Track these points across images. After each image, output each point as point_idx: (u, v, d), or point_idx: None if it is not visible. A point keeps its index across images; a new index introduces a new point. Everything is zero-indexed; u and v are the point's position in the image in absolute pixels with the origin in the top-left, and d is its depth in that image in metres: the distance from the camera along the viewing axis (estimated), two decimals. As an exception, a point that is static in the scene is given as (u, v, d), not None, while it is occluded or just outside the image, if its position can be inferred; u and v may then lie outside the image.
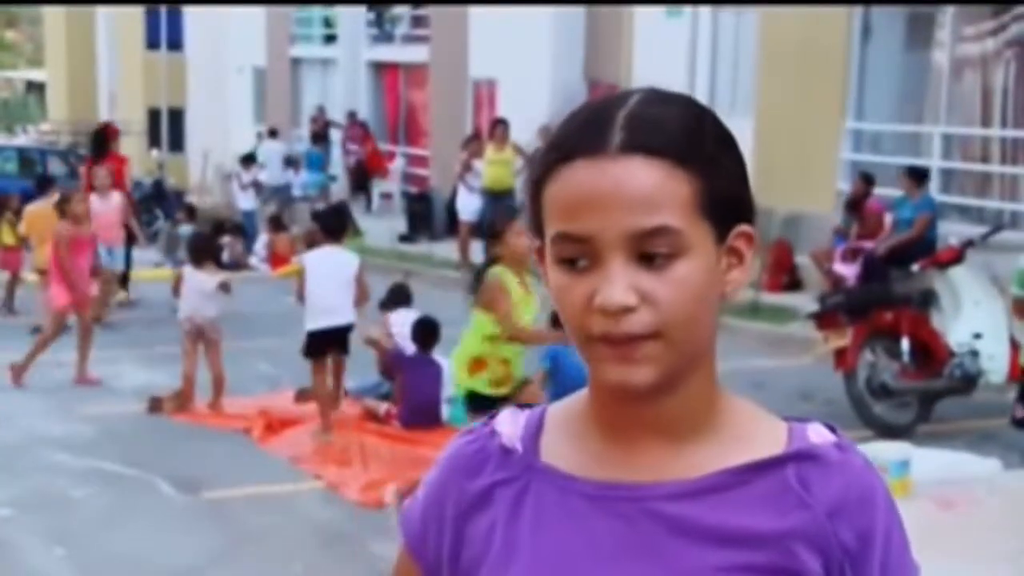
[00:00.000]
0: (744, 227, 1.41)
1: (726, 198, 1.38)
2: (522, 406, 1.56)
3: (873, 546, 1.41)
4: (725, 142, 1.41)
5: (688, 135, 1.37)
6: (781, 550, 1.38)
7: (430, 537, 1.52)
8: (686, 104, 1.41)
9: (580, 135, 1.37)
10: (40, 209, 14.28)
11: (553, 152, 1.38)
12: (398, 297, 10.98)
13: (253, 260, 19.39)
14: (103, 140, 15.97)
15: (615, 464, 1.43)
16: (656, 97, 1.41)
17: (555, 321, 9.36)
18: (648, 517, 1.40)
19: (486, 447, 1.50)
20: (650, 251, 1.33)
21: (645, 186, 1.33)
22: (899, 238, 12.57)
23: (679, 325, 1.34)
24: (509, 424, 1.52)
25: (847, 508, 1.40)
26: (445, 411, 9.72)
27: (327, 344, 9.51)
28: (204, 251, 10.86)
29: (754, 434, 1.44)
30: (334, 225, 9.82)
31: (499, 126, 18.73)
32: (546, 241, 1.39)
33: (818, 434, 1.45)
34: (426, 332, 9.94)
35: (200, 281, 10.46)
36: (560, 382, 9.05)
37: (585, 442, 1.46)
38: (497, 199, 18.64)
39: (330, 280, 9.26)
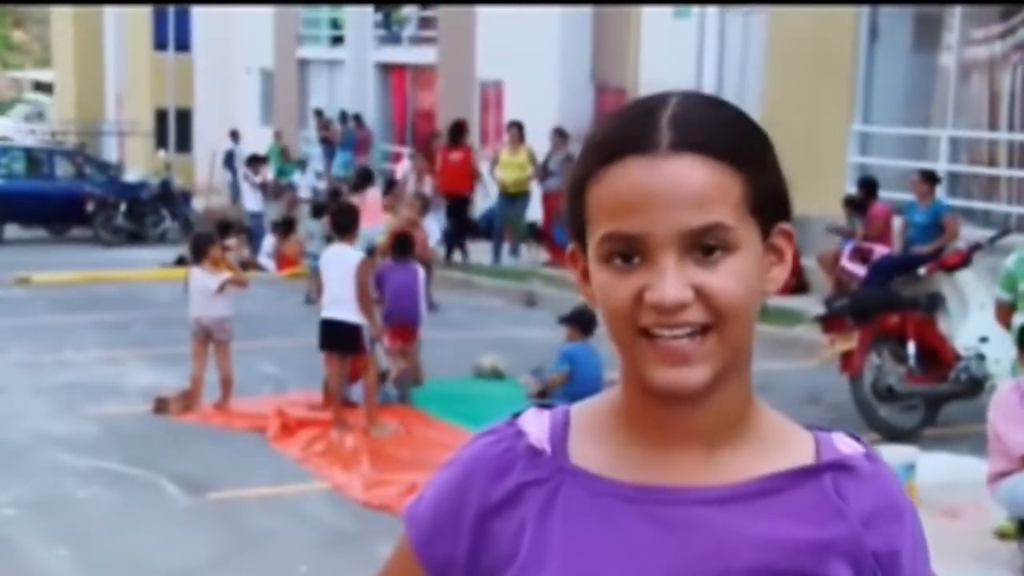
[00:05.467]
0: (784, 225, 1.42)
1: (771, 196, 1.39)
2: (543, 406, 1.54)
3: (902, 558, 1.41)
4: (766, 140, 1.42)
5: (734, 133, 1.37)
6: (816, 560, 1.37)
7: (442, 538, 1.49)
8: (726, 104, 1.42)
9: (626, 135, 1.36)
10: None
11: (597, 153, 1.38)
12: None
13: (263, 259, 19.41)
14: (459, 131, 19.32)
15: (649, 467, 1.42)
16: (695, 98, 1.41)
17: (572, 320, 9.39)
18: (684, 521, 1.39)
19: (513, 447, 1.47)
20: (704, 247, 1.33)
21: (698, 184, 1.33)
22: (936, 243, 12.41)
23: (732, 319, 1.34)
24: (535, 424, 1.49)
25: (879, 519, 1.40)
26: (424, 313, 11.07)
27: (334, 336, 9.71)
28: (203, 250, 10.80)
29: (786, 442, 1.44)
30: (344, 223, 9.97)
31: (513, 128, 18.72)
32: (589, 243, 1.38)
33: (847, 444, 1.45)
34: (403, 244, 11.04)
35: (204, 281, 10.47)
36: (578, 383, 9.07)
37: (616, 444, 1.45)
38: (512, 201, 18.61)
39: (338, 274, 9.63)
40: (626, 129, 1.37)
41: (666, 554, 1.38)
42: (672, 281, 1.32)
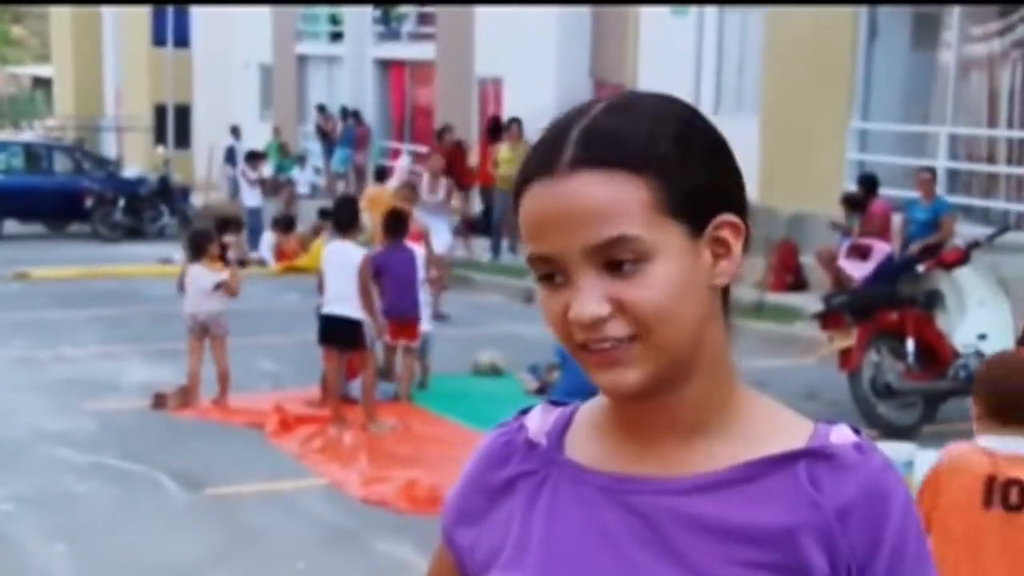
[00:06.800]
0: (726, 216, 1.40)
1: (694, 194, 1.37)
2: (555, 403, 1.58)
3: (881, 551, 1.39)
4: (690, 137, 1.40)
5: (641, 140, 1.36)
6: (788, 547, 1.37)
7: (460, 526, 1.55)
8: (650, 106, 1.41)
9: (536, 156, 1.40)
10: (378, 191, 17.40)
11: (519, 176, 1.41)
12: None
13: (264, 254, 19.39)
14: (497, 128, 19.56)
15: (629, 458, 1.45)
16: (620, 104, 1.41)
17: None
18: (659, 510, 1.41)
19: (514, 440, 1.53)
20: (614, 260, 1.34)
21: (593, 200, 1.34)
22: (930, 240, 12.50)
23: (657, 326, 1.35)
24: (539, 419, 1.54)
25: (857, 510, 1.38)
26: (423, 298, 10.65)
27: (333, 332, 9.70)
28: (200, 246, 10.77)
29: (773, 433, 1.44)
30: (344, 218, 9.96)
31: (514, 125, 18.71)
32: None
33: (840, 435, 1.44)
34: (396, 221, 10.53)
35: (202, 278, 10.45)
36: (570, 375, 9.06)
37: (604, 438, 1.48)
38: (511, 198, 18.59)
39: (340, 271, 9.59)
40: (537, 150, 1.40)
41: (638, 543, 1.40)
42: (586, 298, 1.35)
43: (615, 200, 1.34)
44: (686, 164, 1.37)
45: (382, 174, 20.53)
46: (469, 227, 19.36)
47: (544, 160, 1.38)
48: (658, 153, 1.36)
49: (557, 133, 1.40)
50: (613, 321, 1.34)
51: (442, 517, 1.59)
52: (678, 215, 1.36)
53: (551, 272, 1.37)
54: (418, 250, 10.68)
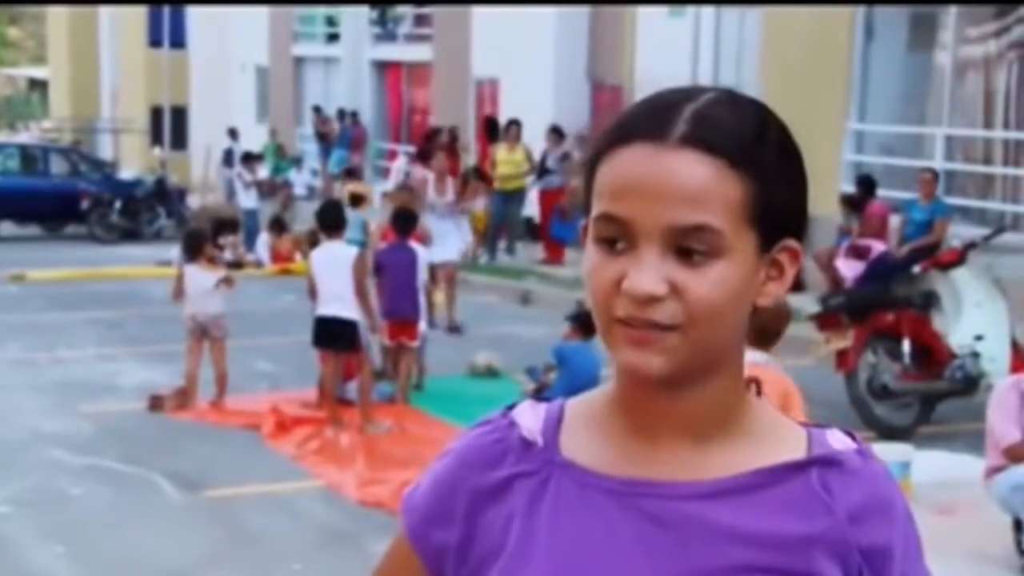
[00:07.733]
0: (791, 242, 1.40)
1: (777, 209, 1.37)
2: (540, 399, 1.55)
3: (893, 557, 1.41)
4: (788, 153, 1.41)
5: (750, 139, 1.36)
6: (802, 555, 1.37)
7: (434, 528, 1.51)
8: (756, 109, 1.41)
9: (643, 120, 1.37)
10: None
11: (613, 133, 1.38)
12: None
13: (261, 255, 19.39)
14: (495, 128, 19.69)
15: (638, 461, 1.42)
16: (728, 98, 1.40)
17: (575, 319, 9.39)
18: (671, 515, 1.39)
19: (506, 438, 1.49)
20: (688, 247, 1.32)
21: (695, 181, 1.32)
22: (919, 242, 12.55)
23: (703, 324, 1.33)
24: (529, 416, 1.51)
25: (868, 516, 1.40)
26: (423, 303, 10.70)
27: (329, 333, 9.69)
28: (197, 247, 10.76)
29: (778, 437, 1.44)
30: (331, 220, 9.95)
31: (512, 127, 18.69)
32: (590, 219, 1.39)
33: (839, 440, 1.45)
34: (404, 220, 10.75)
35: (200, 278, 10.45)
36: (567, 376, 9.07)
37: (607, 438, 1.45)
38: (508, 199, 18.59)
39: (333, 272, 9.58)
40: (647, 114, 1.37)
41: (651, 549, 1.39)
42: (648, 274, 1.32)
43: (713, 188, 1.32)
44: (780, 178, 1.38)
45: (351, 174, 20.38)
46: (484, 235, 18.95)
47: (652, 126, 1.35)
48: (763, 158, 1.36)
49: (665, 106, 1.37)
50: (663, 305, 1.32)
51: (407, 517, 1.55)
52: (756, 224, 1.35)
53: (614, 237, 1.35)
54: (421, 251, 10.70)
